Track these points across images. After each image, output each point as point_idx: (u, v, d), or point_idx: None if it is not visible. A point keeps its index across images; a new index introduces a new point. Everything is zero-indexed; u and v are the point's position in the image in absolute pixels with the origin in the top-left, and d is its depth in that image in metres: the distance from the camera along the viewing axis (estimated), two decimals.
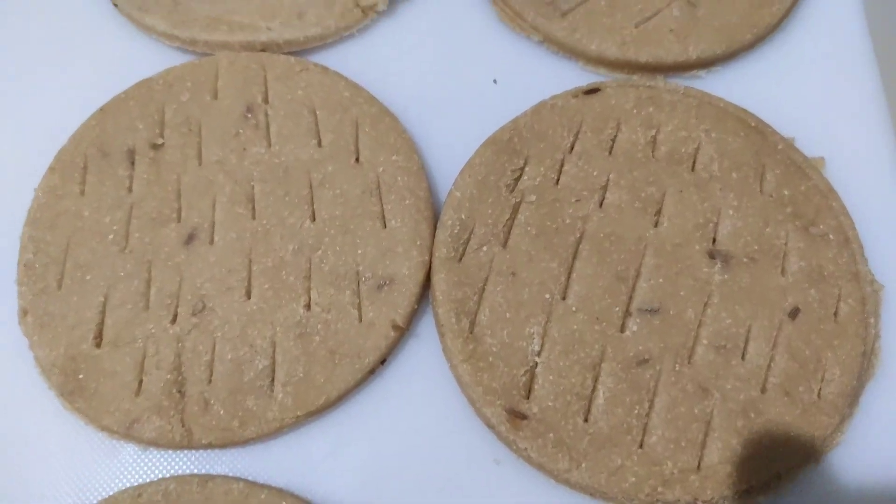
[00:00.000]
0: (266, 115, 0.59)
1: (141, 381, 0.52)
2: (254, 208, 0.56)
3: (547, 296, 0.52)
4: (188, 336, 0.53)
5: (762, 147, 0.57)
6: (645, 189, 0.56)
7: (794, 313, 0.52)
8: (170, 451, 0.52)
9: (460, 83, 0.63)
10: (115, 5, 0.65)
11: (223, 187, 0.57)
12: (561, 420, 0.50)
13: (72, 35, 0.66)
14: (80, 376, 0.52)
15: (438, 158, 0.61)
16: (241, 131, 0.59)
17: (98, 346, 0.53)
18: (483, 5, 0.66)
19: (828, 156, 0.59)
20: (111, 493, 0.50)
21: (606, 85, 0.60)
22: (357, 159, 0.58)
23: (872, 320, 0.53)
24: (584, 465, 0.49)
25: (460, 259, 0.54)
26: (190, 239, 0.55)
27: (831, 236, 0.54)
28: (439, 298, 0.53)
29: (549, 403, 0.50)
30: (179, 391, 0.51)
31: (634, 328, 0.52)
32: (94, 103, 0.60)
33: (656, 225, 0.55)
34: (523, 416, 0.50)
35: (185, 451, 0.53)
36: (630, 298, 0.53)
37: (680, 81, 0.62)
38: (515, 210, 0.55)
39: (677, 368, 0.51)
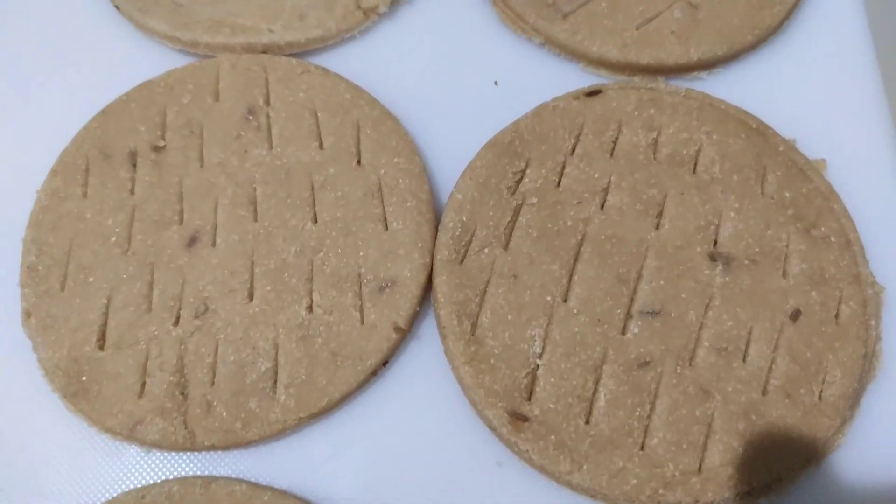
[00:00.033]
0: (267, 117, 0.59)
1: (144, 383, 0.52)
2: (255, 210, 0.56)
3: (548, 298, 0.53)
4: (191, 338, 0.53)
5: (763, 149, 0.57)
6: (646, 191, 0.56)
7: (795, 315, 0.52)
8: (173, 453, 0.53)
9: (461, 85, 0.63)
10: (117, 7, 0.65)
11: (225, 189, 0.57)
12: (562, 422, 0.50)
13: (73, 37, 0.66)
14: (84, 378, 0.52)
15: (440, 160, 0.61)
16: (242, 133, 0.59)
17: (101, 348, 0.53)
18: (484, 7, 0.66)
19: (829, 158, 0.59)
20: (115, 495, 0.50)
21: (608, 87, 0.60)
22: (358, 161, 0.58)
23: (873, 322, 0.53)
24: (585, 467, 0.49)
25: (462, 261, 0.54)
26: (192, 241, 0.56)
27: (832, 238, 0.54)
28: (441, 300, 0.53)
29: (551, 405, 0.50)
30: (182, 393, 0.52)
31: (636, 330, 0.52)
32: (95, 105, 0.60)
33: (657, 227, 0.55)
34: (525, 419, 0.50)
35: (188, 453, 0.53)
36: (631, 301, 0.53)
37: (681, 83, 0.62)
38: (517, 212, 0.55)
39: (678, 370, 0.51)
